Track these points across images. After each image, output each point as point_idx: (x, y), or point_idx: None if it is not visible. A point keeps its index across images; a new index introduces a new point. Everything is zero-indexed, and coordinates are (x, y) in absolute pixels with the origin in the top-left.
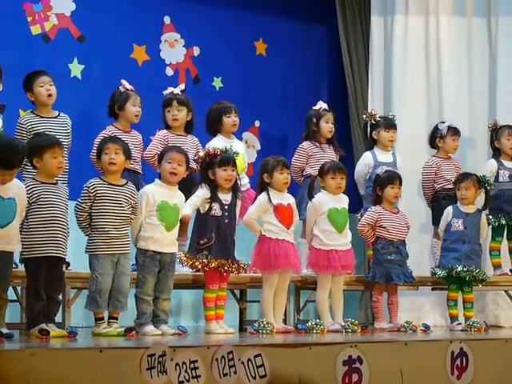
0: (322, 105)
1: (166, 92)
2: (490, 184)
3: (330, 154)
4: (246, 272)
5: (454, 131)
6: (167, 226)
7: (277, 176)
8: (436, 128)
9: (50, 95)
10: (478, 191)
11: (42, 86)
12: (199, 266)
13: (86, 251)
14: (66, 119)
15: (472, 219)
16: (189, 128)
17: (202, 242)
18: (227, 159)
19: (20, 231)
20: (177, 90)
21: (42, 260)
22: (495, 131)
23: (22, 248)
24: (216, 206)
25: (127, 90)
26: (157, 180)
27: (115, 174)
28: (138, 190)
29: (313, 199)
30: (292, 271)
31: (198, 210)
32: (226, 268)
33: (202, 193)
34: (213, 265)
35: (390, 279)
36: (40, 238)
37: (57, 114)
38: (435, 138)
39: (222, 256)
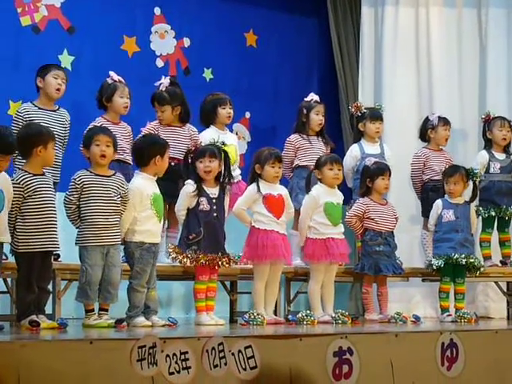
0: (313, 96)
1: (157, 83)
2: (478, 177)
3: (318, 147)
4: (237, 264)
5: (445, 121)
6: (160, 217)
7: (268, 169)
8: (427, 120)
9: (58, 89)
10: (465, 184)
11: (55, 78)
12: (188, 263)
13: (76, 243)
14: (64, 114)
15: (462, 209)
16: (184, 118)
17: (190, 237)
18: (202, 151)
19: (14, 225)
20: (165, 83)
21: (37, 253)
22: (488, 122)
23: (18, 242)
24: (204, 200)
25: (115, 81)
26: (141, 173)
27: (104, 166)
28: (128, 180)
29: (310, 192)
30: (282, 262)
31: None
32: (216, 262)
33: (186, 190)
34: (202, 260)
35: (379, 270)
36: (36, 231)
37: (56, 107)
38: (426, 129)
39: (211, 250)
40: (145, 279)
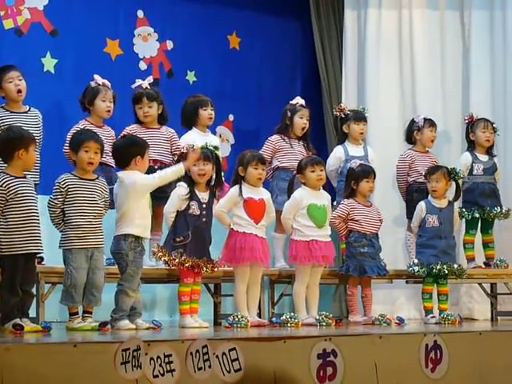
0: (299, 100)
1: (134, 85)
2: (460, 177)
3: (298, 150)
4: (218, 268)
5: (431, 122)
6: (150, 213)
7: (251, 171)
8: (412, 121)
9: (19, 91)
10: (448, 183)
11: (10, 82)
12: (174, 264)
13: (60, 246)
14: (36, 114)
15: (446, 214)
16: (162, 120)
17: (178, 239)
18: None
19: None
20: (145, 83)
21: (20, 256)
22: (471, 124)
23: (1, 245)
24: (194, 204)
25: (99, 84)
26: (128, 171)
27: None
28: (112, 183)
29: (293, 194)
30: (262, 265)
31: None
32: (200, 267)
33: (179, 191)
34: (187, 264)
35: (364, 272)
36: (19, 234)
37: (27, 108)
38: (412, 131)
39: (197, 255)
40: (136, 282)
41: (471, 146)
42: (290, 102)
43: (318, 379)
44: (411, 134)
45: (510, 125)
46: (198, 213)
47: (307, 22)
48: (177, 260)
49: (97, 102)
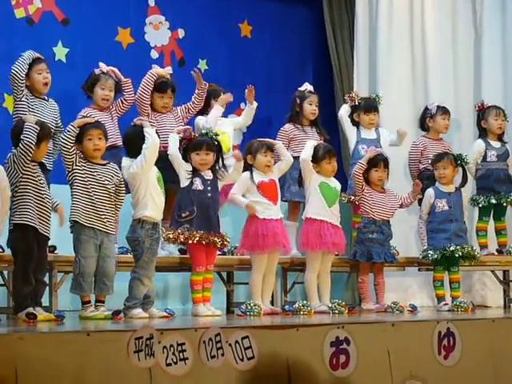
0: (307, 86)
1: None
2: (466, 162)
3: (312, 137)
4: (230, 252)
5: (444, 110)
6: (163, 195)
7: (259, 158)
8: (426, 109)
9: (46, 83)
10: (455, 169)
11: (39, 73)
12: (182, 239)
13: (69, 218)
14: (55, 106)
15: (455, 198)
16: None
17: (183, 215)
18: (199, 143)
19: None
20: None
21: (32, 237)
22: (482, 111)
23: (14, 216)
24: (198, 180)
25: (102, 72)
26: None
27: (98, 158)
28: (119, 164)
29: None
30: (281, 251)
31: (179, 186)
32: (210, 240)
33: (184, 165)
34: (194, 238)
35: (370, 258)
36: (32, 209)
37: (47, 98)
38: (425, 118)
39: (204, 228)
40: (151, 270)
41: (483, 133)
42: (299, 88)
43: (331, 367)
44: (424, 121)
45: None
46: (202, 188)
47: (319, 9)
48: (185, 236)
49: (96, 89)
